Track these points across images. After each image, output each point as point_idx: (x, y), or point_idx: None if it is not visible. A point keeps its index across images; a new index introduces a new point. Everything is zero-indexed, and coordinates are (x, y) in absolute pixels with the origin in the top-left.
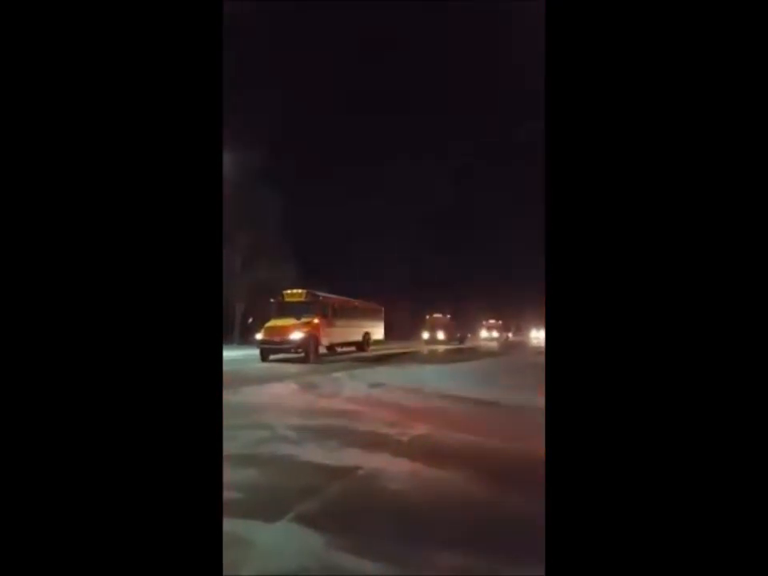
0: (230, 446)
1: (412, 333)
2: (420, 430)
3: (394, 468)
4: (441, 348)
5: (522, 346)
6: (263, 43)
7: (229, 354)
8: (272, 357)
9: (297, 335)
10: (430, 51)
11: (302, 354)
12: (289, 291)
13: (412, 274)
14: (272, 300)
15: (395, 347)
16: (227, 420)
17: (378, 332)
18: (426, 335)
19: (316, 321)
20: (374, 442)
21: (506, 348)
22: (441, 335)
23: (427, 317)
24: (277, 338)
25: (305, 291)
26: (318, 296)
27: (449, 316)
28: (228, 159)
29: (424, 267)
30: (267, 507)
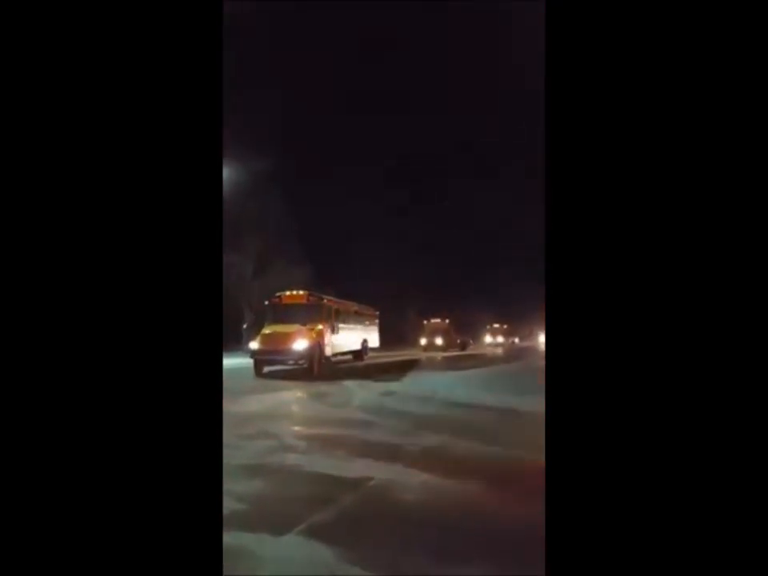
0: (237, 457)
1: (407, 339)
2: (432, 439)
3: (406, 479)
4: (444, 355)
5: (530, 352)
6: (263, 43)
7: (238, 361)
8: (267, 369)
9: (301, 344)
10: (430, 51)
11: (304, 366)
12: (288, 292)
13: (411, 276)
14: (267, 302)
15: (393, 355)
16: (234, 429)
17: (373, 339)
18: (423, 341)
19: (320, 327)
20: (386, 453)
21: (513, 354)
22: (439, 341)
23: (425, 322)
24: (277, 348)
25: (306, 293)
26: (322, 298)
27: (447, 321)
28: (233, 165)
29: (422, 268)
30: (276, 520)
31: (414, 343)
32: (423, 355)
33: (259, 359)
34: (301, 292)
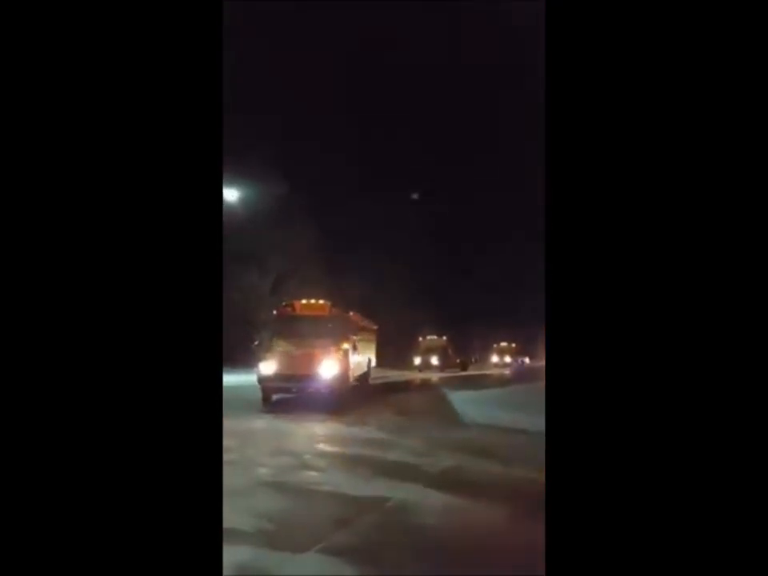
0: (258, 475)
1: (400, 357)
2: (451, 460)
3: (424, 500)
4: (440, 375)
5: (540, 372)
6: (263, 43)
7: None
8: (276, 396)
9: (331, 368)
10: (430, 51)
11: (326, 395)
12: (303, 301)
13: (407, 286)
14: (275, 312)
15: (392, 376)
16: (254, 449)
17: (373, 358)
18: (417, 361)
19: (346, 346)
20: (404, 473)
21: (521, 376)
22: (435, 361)
23: (420, 339)
24: (297, 372)
25: (327, 303)
26: (348, 311)
27: (445, 338)
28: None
29: (419, 278)
30: (296, 538)
31: (409, 362)
32: (419, 376)
33: (270, 386)
34: (320, 301)
